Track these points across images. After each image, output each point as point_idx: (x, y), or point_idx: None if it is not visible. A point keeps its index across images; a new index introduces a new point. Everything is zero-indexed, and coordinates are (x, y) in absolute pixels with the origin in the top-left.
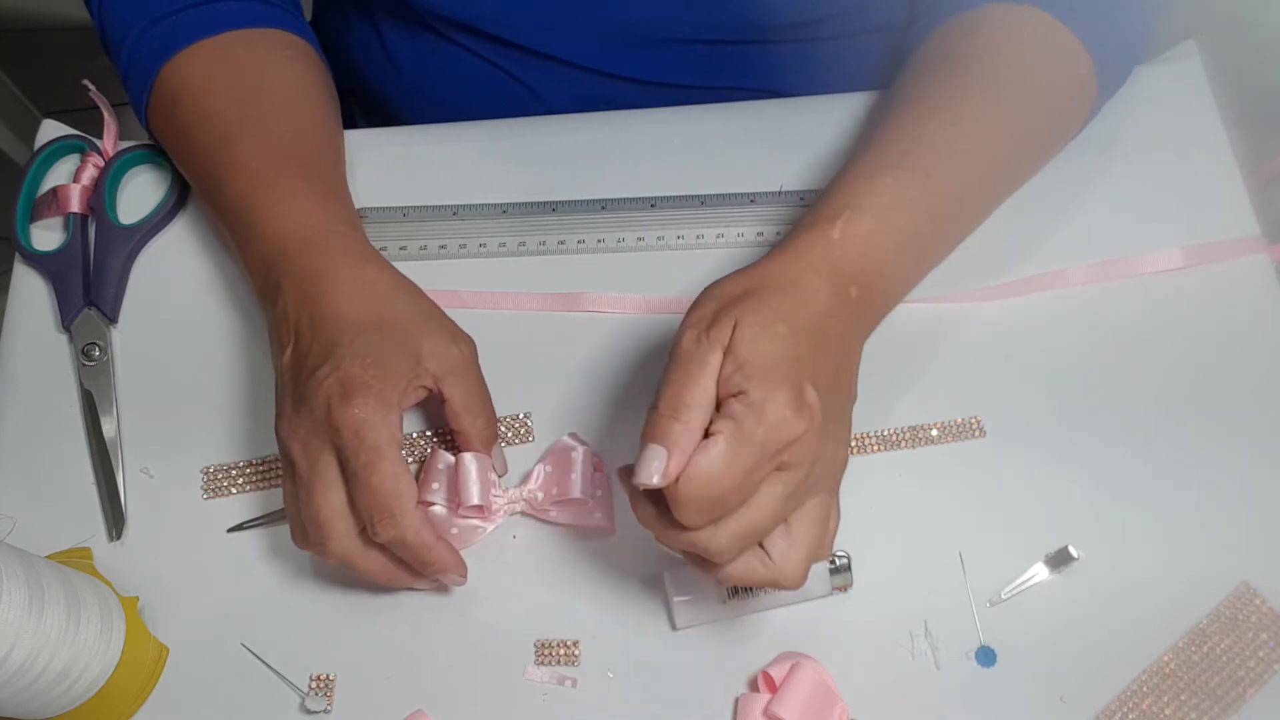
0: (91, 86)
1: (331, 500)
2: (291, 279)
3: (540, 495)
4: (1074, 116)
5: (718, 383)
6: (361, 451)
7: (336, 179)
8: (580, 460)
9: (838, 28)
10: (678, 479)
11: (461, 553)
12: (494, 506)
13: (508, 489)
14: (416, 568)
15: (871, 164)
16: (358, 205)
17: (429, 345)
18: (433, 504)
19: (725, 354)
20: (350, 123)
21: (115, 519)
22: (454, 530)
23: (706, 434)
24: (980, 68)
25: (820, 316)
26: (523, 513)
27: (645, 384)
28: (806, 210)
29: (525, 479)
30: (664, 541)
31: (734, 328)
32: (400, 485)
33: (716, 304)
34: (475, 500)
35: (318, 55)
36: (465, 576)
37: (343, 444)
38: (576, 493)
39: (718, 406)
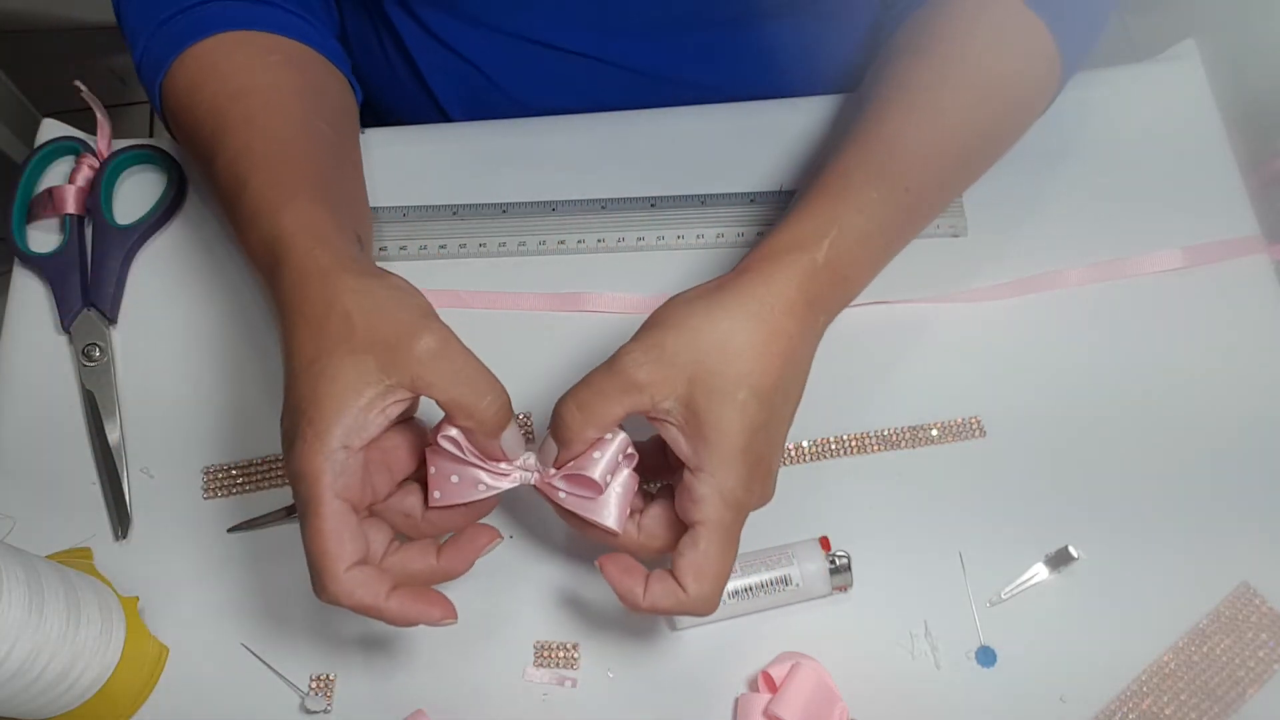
0: (83, 87)
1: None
2: (278, 301)
3: (552, 469)
4: (1034, 109)
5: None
6: (300, 505)
7: (318, 184)
8: (612, 445)
9: (824, 6)
10: (686, 588)
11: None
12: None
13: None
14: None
15: (856, 172)
16: None
17: (381, 353)
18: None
19: (687, 423)
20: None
21: (121, 519)
22: (454, 479)
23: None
24: (955, 59)
25: (784, 363)
26: (534, 484)
27: None
28: (789, 214)
29: (541, 445)
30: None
31: (690, 399)
32: (328, 545)
33: (673, 371)
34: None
35: (312, 55)
36: (449, 616)
37: (294, 495)
38: (594, 474)
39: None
